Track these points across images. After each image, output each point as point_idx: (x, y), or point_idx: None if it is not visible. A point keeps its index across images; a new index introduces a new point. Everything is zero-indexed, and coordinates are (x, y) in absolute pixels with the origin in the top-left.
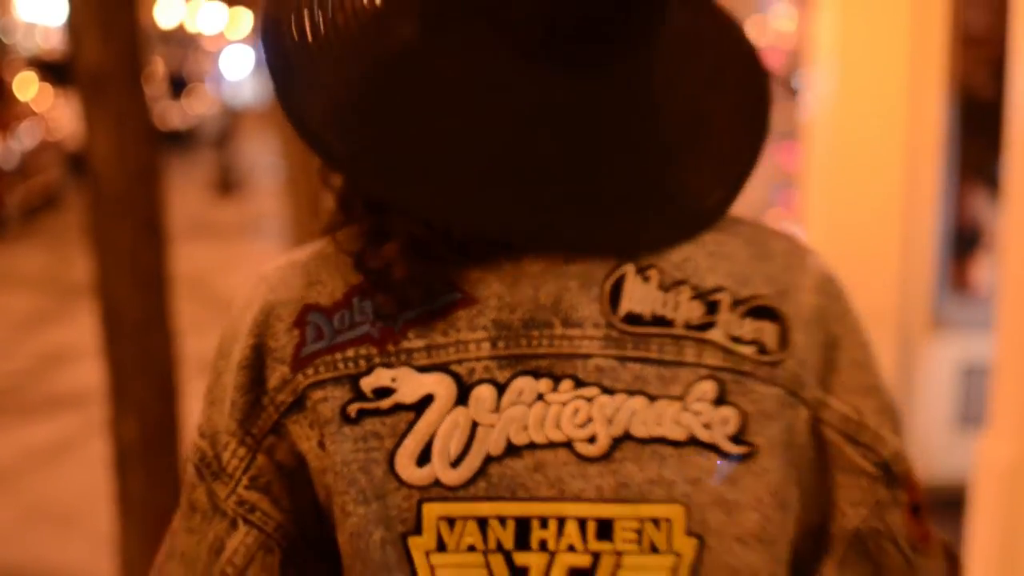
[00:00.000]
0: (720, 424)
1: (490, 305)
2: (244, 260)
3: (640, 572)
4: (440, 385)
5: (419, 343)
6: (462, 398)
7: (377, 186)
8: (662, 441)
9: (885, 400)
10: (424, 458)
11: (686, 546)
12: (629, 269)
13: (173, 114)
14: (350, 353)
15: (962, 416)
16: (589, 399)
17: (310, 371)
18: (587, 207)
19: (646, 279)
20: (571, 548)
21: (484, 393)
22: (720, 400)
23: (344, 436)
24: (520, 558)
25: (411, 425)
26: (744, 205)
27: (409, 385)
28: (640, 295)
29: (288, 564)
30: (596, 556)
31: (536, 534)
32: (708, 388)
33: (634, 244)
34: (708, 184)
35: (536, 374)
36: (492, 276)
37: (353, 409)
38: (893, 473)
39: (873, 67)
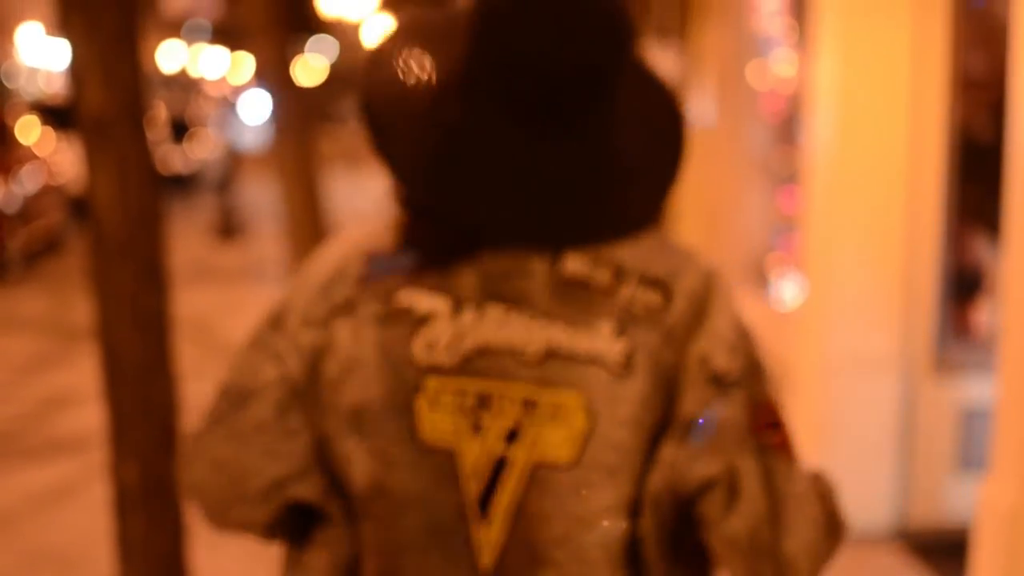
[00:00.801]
0: (615, 350)
1: (480, 262)
2: (245, 304)
3: (551, 436)
4: (442, 304)
5: (433, 279)
6: (455, 314)
7: (429, 198)
8: (574, 356)
9: (732, 345)
10: (429, 349)
11: (582, 422)
12: (576, 251)
13: (175, 158)
14: (390, 282)
15: (964, 459)
16: (532, 324)
17: (364, 291)
18: (555, 216)
19: (581, 256)
20: (509, 415)
21: (469, 312)
22: (617, 335)
23: (377, 332)
24: (480, 417)
25: (422, 328)
26: (746, 248)
27: (423, 303)
28: (575, 265)
29: (294, 401)
30: (522, 423)
31: (491, 403)
32: (609, 328)
33: (589, 240)
34: (639, 203)
35: (502, 304)
36: (483, 247)
37: (385, 315)
38: (724, 383)
39: (873, 111)
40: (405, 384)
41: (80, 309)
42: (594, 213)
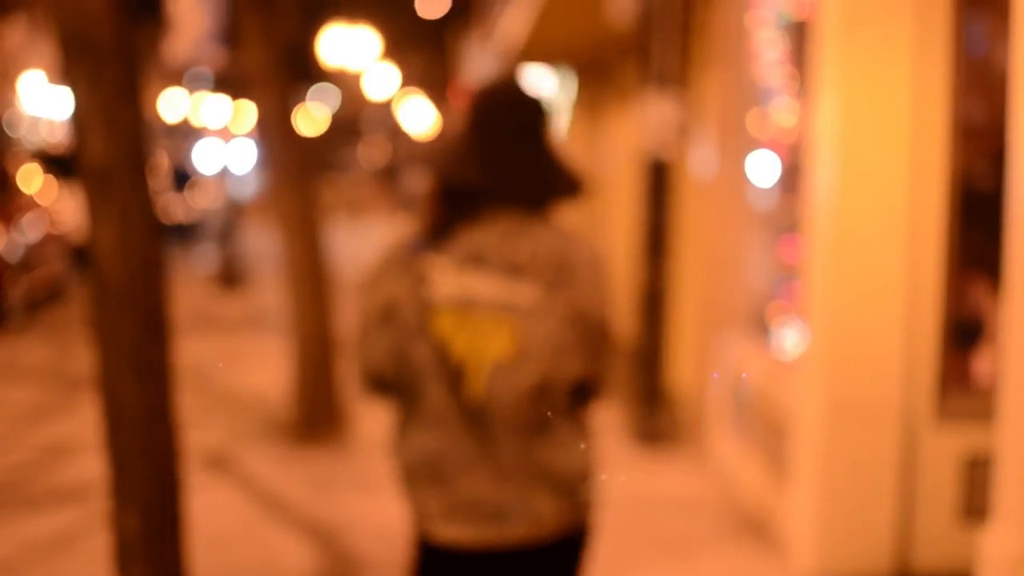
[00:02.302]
0: (536, 299)
1: (469, 239)
2: (247, 353)
3: (499, 343)
4: (445, 264)
5: (443, 250)
6: (453, 272)
7: (453, 178)
8: (510, 302)
9: (601, 295)
10: (437, 295)
11: (513, 337)
12: (515, 237)
13: (177, 207)
14: (420, 257)
15: (966, 508)
16: (492, 282)
17: (407, 264)
18: (518, 187)
19: (520, 241)
20: (478, 331)
21: (461, 272)
22: (534, 293)
23: (414, 287)
24: (462, 330)
25: (433, 278)
26: (747, 296)
27: (436, 264)
28: (520, 255)
29: (384, 325)
30: (483, 334)
31: (468, 324)
32: (530, 289)
33: (534, 203)
34: (557, 191)
35: (479, 269)
36: (473, 228)
37: (417, 277)
38: (598, 322)
39: (874, 160)
40: (426, 314)
41: (81, 358)
42: (535, 188)
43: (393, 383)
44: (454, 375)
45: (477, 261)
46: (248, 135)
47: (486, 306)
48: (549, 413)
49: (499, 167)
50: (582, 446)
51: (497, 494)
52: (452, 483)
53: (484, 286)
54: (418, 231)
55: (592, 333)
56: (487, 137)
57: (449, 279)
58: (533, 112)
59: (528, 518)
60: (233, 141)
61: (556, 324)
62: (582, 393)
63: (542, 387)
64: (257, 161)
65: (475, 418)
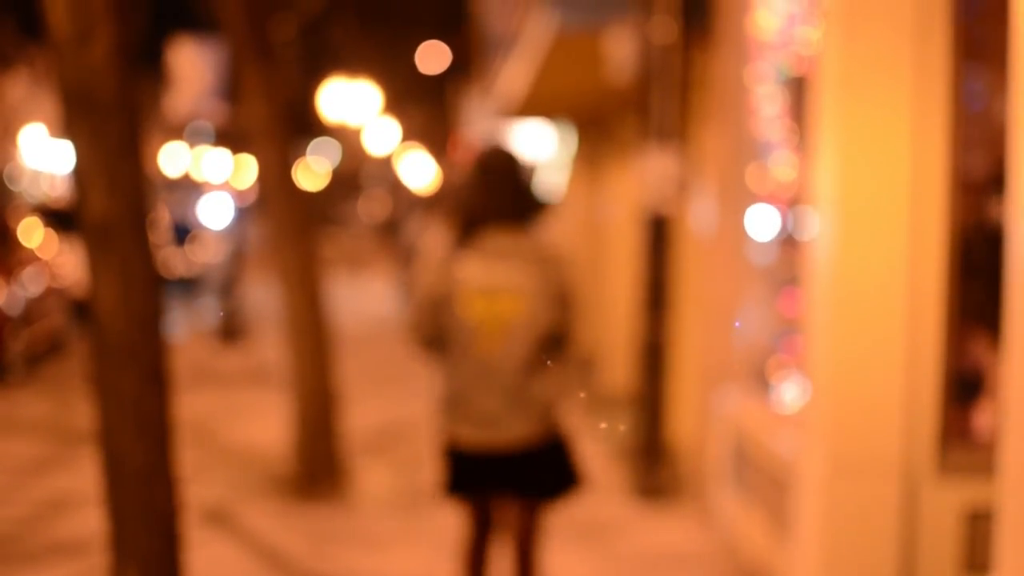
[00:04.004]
0: (534, 281)
1: (491, 242)
2: (247, 407)
3: (513, 311)
4: (475, 260)
5: (471, 249)
6: (479, 264)
7: (469, 211)
8: (520, 284)
9: (572, 283)
10: (468, 282)
11: (523, 308)
12: (517, 241)
13: (178, 261)
14: (456, 255)
15: (968, 562)
16: (507, 270)
17: (447, 261)
18: (510, 214)
19: (520, 243)
20: (498, 305)
21: (485, 263)
22: (532, 279)
23: (452, 277)
24: (486, 306)
25: (466, 272)
26: (747, 350)
27: (466, 262)
28: (520, 248)
29: (433, 306)
30: (502, 307)
31: (491, 300)
32: (529, 276)
33: (521, 219)
34: (534, 211)
35: (499, 260)
36: (489, 235)
37: (454, 270)
38: (570, 302)
39: (873, 213)
40: (459, 296)
41: (82, 412)
42: (520, 211)
43: (436, 344)
44: (477, 337)
45: (496, 256)
46: (248, 189)
47: (503, 287)
48: (537, 358)
49: (497, 197)
50: (552, 383)
51: (496, 410)
52: (468, 403)
53: (501, 273)
54: (453, 239)
55: (565, 300)
56: (488, 179)
57: (478, 270)
58: (516, 164)
59: (515, 428)
60: (233, 195)
61: (546, 297)
62: (558, 341)
63: (539, 338)
64: (256, 215)
65: (487, 364)
